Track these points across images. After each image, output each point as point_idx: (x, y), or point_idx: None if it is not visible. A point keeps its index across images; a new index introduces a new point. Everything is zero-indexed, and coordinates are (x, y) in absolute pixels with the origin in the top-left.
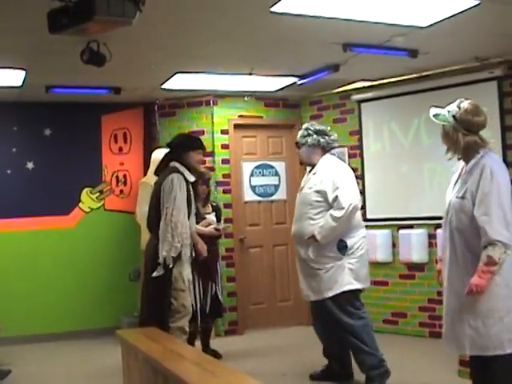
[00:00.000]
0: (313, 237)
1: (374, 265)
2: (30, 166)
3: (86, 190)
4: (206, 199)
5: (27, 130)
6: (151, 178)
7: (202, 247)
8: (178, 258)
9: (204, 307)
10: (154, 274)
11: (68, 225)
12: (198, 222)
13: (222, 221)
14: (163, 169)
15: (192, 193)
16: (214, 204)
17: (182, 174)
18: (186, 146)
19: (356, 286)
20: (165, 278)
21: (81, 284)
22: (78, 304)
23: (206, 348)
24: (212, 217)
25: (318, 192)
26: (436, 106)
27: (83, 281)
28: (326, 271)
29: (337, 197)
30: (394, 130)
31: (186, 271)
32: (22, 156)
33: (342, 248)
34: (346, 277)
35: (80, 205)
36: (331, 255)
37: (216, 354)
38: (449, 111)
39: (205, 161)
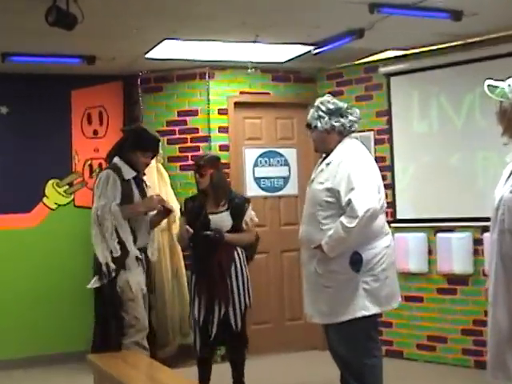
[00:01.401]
0: (320, 247)
1: (406, 276)
2: None
3: (51, 182)
4: (215, 193)
5: None
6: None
7: (148, 203)
8: (121, 265)
9: (208, 331)
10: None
11: (29, 224)
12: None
13: (246, 222)
14: (109, 163)
15: (134, 189)
16: (234, 198)
17: (119, 169)
18: (136, 144)
19: (372, 311)
20: (108, 290)
21: (44, 298)
22: (41, 323)
23: None
24: (222, 217)
25: (329, 190)
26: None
27: (47, 294)
28: (334, 290)
29: (350, 201)
30: (439, 110)
31: (135, 278)
32: None
33: (356, 263)
34: (359, 300)
35: (44, 200)
36: (341, 271)
37: None
38: (510, 85)
39: (148, 163)
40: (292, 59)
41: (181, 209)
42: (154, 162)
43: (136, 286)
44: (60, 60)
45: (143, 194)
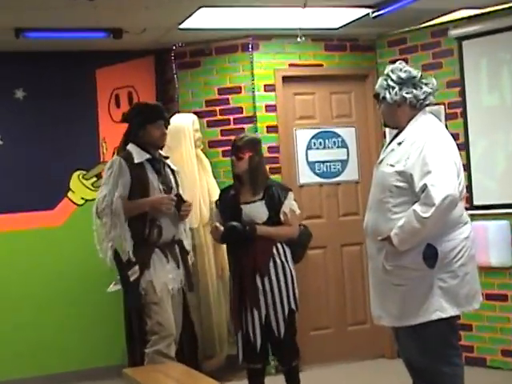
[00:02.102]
0: (388, 238)
1: (487, 271)
2: None
3: (77, 174)
4: (252, 179)
5: None
6: (168, 155)
7: (158, 202)
8: (145, 265)
9: (251, 341)
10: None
11: (53, 223)
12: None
13: (285, 213)
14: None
15: (150, 174)
16: (271, 187)
17: (129, 154)
18: (141, 119)
19: (450, 312)
20: (130, 292)
21: (72, 307)
22: (66, 335)
23: None
24: (257, 208)
25: (400, 174)
26: None
27: (75, 302)
28: (405, 289)
29: (425, 186)
30: None
31: (160, 278)
32: None
33: (430, 257)
34: (435, 300)
35: (69, 195)
36: (413, 267)
37: None
38: None
39: (165, 132)
40: (347, 24)
41: (216, 201)
42: (193, 148)
43: (162, 287)
44: (82, 35)
45: (164, 179)
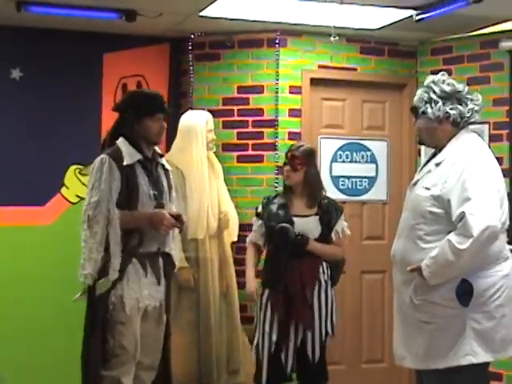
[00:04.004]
0: (418, 269)
1: None
2: None
3: (73, 168)
4: (311, 193)
5: None
6: (177, 156)
7: (159, 220)
8: (118, 277)
9: (282, 361)
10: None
11: (43, 221)
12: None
13: (337, 232)
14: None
15: (140, 179)
16: (324, 202)
17: (119, 152)
18: (137, 110)
19: (483, 358)
20: (96, 305)
21: (55, 316)
22: (53, 355)
23: None
24: (311, 222)
25: (436, 198)
26: None
27: (59, 311)
28: (434, 328)
29: (464, 215)
30: None
31: (133, 293)
32: None
33: (464, 294)
34: (466, 342)
35: (63, 191)
36: (445, 303)
37: None
38: None
39: (164, 127)
40: (387, 26)
41: (257, 208)
42: (205, 150)
43: (132, 304)
44: (91, 14)
45: (156, 182)
